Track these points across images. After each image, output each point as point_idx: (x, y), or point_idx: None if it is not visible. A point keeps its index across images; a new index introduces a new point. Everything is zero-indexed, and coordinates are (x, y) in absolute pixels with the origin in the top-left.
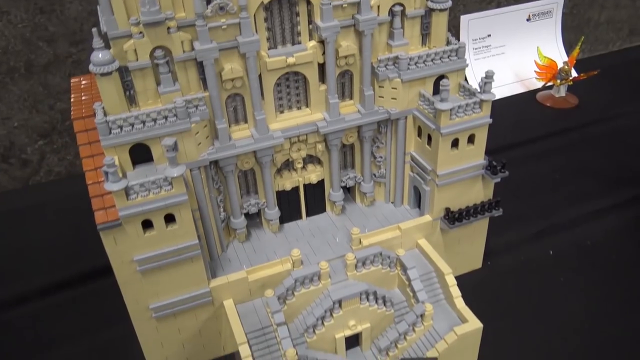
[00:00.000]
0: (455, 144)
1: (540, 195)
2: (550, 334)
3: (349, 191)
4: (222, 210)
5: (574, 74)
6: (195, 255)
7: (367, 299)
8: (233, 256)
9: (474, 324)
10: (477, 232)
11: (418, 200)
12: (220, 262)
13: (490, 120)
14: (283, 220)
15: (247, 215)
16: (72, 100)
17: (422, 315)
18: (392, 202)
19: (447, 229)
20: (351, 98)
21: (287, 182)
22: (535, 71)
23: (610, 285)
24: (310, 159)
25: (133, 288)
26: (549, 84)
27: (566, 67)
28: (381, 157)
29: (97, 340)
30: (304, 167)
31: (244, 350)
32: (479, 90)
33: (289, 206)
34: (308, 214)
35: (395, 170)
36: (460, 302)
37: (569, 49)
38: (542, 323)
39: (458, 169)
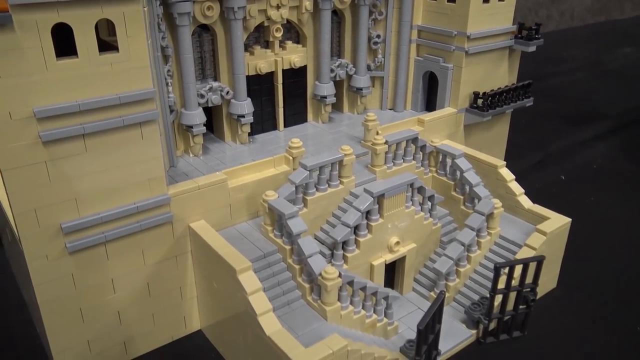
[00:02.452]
0: None
1: (520, 133)
2: (604, 240)
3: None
4: (170, 91)
5: None
6: (149, 119)
7: (413, 201)
8: (190, 169)
9: (560, 220)
10: (498, 136)
11: (426, 100)
12: (173, 178)
13: None
14: (253, 131)
15: (204, 110)
16: None
17: (490, 215)
18: (390, 109)
19: (476, 121)
20: None
21: (262, 62)
22: None
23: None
24: (290, 35)
25: (28, 182)
26: None
27: None
28: (379, 37)
29: None
30: (282, 46)
31: (250, 281)
32: None
33: (261, 107)
34: (285, 124)
35: (397, 53)
36: (526, 200)
37: None
38: (592, 233)
39: (489, 32)
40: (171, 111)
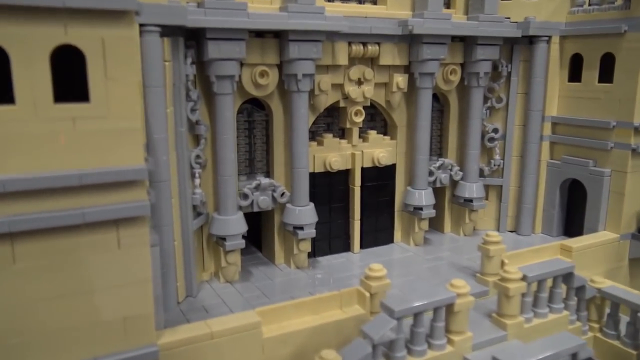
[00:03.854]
0: None
1: None
2: None
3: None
4: (197, 185)
5: None
6: (132, 215)
7: None
8: (214, 303)
9: None
10: None
11: (565, 220)
12: (185, 314)
13: None
14: (315, 251)
15: (247, 218)
16: None
17: None
18: (511, 231)
19: None
20: (449, 7)
21: (333, 155)
22: None
23: None
24: (375, 123)
25: None
26: None
27: None
28: (496, 132)
29: None
30: (363, 136)
31: None
32: None
33: (330, 218)
34: (363, 244)
35: (522, 153)
36: None
37: None
38: None
39: None
40: (198, 214)
